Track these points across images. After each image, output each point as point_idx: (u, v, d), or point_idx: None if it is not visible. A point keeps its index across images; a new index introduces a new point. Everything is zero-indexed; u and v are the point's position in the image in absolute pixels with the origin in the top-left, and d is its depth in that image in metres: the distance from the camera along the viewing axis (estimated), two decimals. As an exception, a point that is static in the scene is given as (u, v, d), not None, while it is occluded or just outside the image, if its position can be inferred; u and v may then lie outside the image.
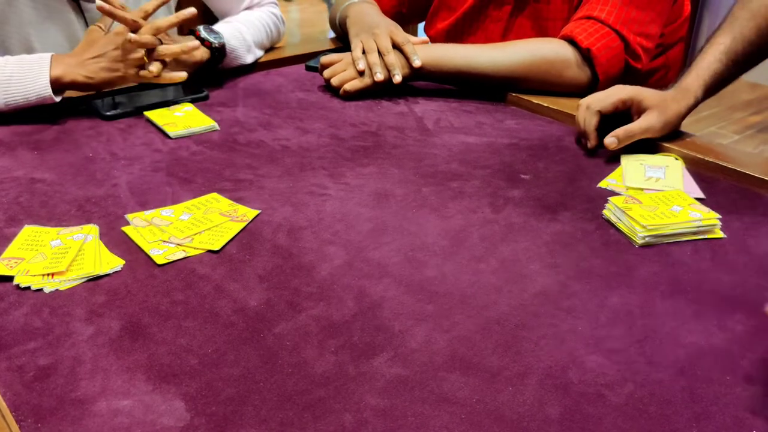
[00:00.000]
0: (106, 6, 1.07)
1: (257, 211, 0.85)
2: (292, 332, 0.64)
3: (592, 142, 1.01)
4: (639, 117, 0.99)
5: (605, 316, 0.67)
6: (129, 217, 0.83)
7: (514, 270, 0.74)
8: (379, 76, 1.19)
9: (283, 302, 0.68)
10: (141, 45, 1.06)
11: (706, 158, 0.98)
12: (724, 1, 2.06)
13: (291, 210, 0.85)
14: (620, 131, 0.97)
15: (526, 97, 1.19)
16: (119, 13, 1.07)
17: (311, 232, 0.81)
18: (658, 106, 0.99)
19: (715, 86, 1.02)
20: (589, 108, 1.01)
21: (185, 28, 1.16)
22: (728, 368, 0.61)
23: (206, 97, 1.19)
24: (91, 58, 1.06)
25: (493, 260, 0.76)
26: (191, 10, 1.11)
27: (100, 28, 1.10)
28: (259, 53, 1.35)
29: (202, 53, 1.20)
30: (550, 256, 0.77)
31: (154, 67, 1.07)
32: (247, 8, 1.37)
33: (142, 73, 1.08)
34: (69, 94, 1.12)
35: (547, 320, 0.66)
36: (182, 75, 1.10)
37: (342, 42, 1.44)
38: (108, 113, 1.11)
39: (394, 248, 0.78)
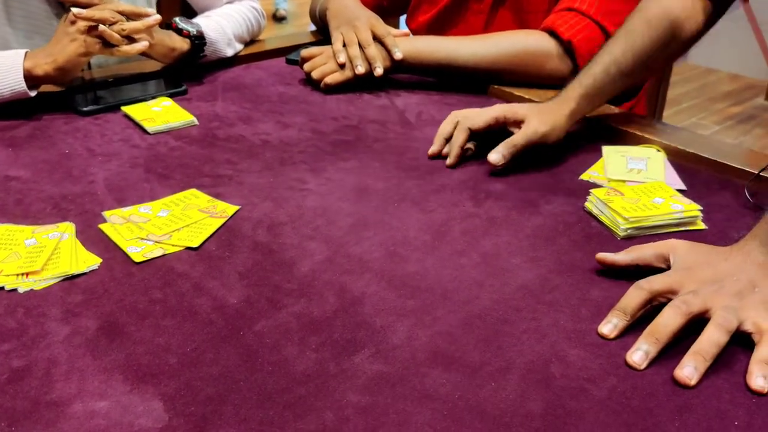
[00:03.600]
0: None
1: (237, 207, 0.84)
2: (272, 330, 0.63)
3: (451, 160, 0.94)
4: (519, 130, 0.94)
5: (587, 310, 0.67)
6: (106, 214, 0.81)
7: (495, 264, 0.74)
8: (360, 69, 1.18)
9: (263, 299, 0.68)
10: (86, 18, 1.04)
11: (688, 150, 0.98)
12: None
13: (271, 205, 0.85)
14: (501, 145, 0.92)
15: (507, 89, 1.18)
16: None
17: (292, 228, 0.80)
18: (534, 115, 0.94)
19: (597, 96, 0.98)
20: (459, 124, 0.96)
21: (162, 23, 1.15)
22: (710, 360, 0.61)
23: (185, 92, 1.18)
24: (54, 45, 1.05)
25: (474, 254, 0.76)
26: (156, 17, 1.09)
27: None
28: (239, 47, 1.33)
29: (181, 43, 1.19)
30: (532, 250, 0.77)
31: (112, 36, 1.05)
32: (228, 2, 1.36)
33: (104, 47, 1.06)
34: (46, 89, 1.10)
35: (528, 314, 0.66)
36: (143, 44, 1.08)
37: (322, 35, 1.43)
38: (84, 109, 1.09)
39: (376, 243, 0.77)
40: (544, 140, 0.94)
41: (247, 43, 1.39)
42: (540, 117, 0.94)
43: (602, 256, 0.72)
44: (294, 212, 0.83)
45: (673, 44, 1.00)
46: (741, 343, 0.62)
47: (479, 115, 0.96)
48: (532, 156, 0.96)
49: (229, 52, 1.30)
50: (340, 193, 0.88)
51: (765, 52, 1.99)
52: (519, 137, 0.92)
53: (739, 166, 0.93)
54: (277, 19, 5.38)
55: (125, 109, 1.09)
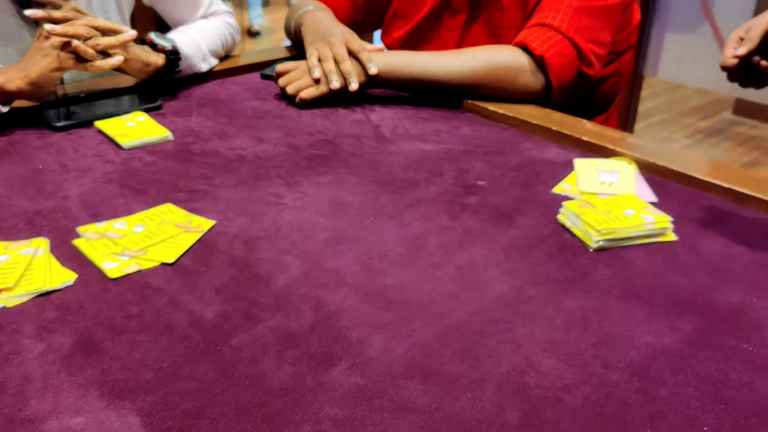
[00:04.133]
0: (38, 13, 1.05)
1: (212, 222, 0.84)
2: (249, 344, 0.63)
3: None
4: None
5: (561, 320, 0.68)
6: (81, 230, 0.81)
7: (471, 276, 0.75)
8: (335, 84, 1.19)
9: (239, 314, 0.68)
10: (60, 34, 1.03)
11: (658, 162, 1.00)
12: (672, 9, 2.11)
13: (247, 220, 0.85)
14: None
15: (481, 104, 1.20)
16: (51, 14, 1.05)
17: (268, 243, 0.80)
18: None
19: None
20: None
21: (137, 38, 1.15)
22: (680, 368, 0.62)
23: (160, 107, 1.18)
24: (27, 60, 1.04)
25: (450, 267, 0.76)
26: (131, 33, 1.09)
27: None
28: (214, 62, 1.34)
29: (156, 59, 1.19)
30: (507, 262, 0.78)
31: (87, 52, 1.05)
32: (202, 17, 1.36)
33: (78, 62, 1.05)
34: (19, 104, 1.10)
35: (504, 326, 0.67)
36: (118, 59, 1.08)
37: (297, 50, 1.44)
38: (58, 124, 1.08)
39: (352, 257, 0.78)
40: None
41: (222, 58, 1.39)
42: None
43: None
44: (270, 227, 0.83)
45: None
46: (710, 349, 0.64)
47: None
48: (507, 169, 0.98)
49: (204, 68, 1.30)
50: (316, 207, 0.88)
51: (731, 68, 2.03)
52: None
53: (707, 179, 0.95)
54: (252, 34, 5.38)
55: (99, 124, 1.09)
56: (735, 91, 2.11)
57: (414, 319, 0.67)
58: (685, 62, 2.15)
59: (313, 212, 0.87)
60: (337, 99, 1.21)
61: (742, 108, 3.78)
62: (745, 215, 0.89)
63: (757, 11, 2.13)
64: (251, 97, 1.26)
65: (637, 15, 1.39)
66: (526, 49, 1.18)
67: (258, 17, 5.44)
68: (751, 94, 2.13)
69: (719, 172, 0.98)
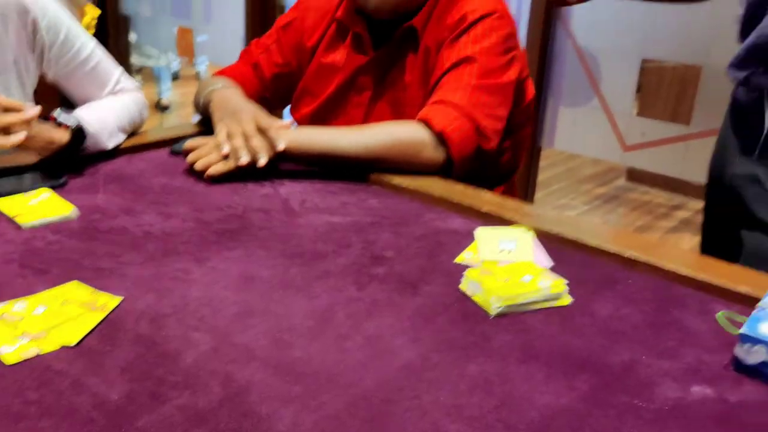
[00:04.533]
0: None
1: (119, 299, 0.83)
2: (155, 424, 0.63)
3: None
4: None
5: (465, 385, 0.70)
6: (-23, 313, 0.78)
7: (379, 346, 0.77)
8: (244, 159, 1.20)
9: (146, 393, 0.67)
10: None
11: (553, 230, 1.06)
12: (565, 84, 2.26)
13: (154, 297, 0.84)
14: None
15: (387, 177, 1.24)
16: None
17: (176, 319, 0.80)
18: None
19: None
20: None
21: (41, 114, 1.14)
22: (577, 426, 0.65)
23: (65, 183, 1.16)
24: None
25: (358, 337, 0.78)
26: (34, 110, 1.09)
27: None
28: (122, 138, 1.33)
29: (60, 136, 1.18)
30: (413, 330, 0.80)
31: None
32: (110, 94, 1.36)
33: None
34: None
35: (410, 393, 0.69)
36: (19, 137, 1.07)
37: (206, 126, 1.46)
38: (-46, 203, 1.05)
39: (261, 331, 0.78)
40: None
41: (130, 135, 1.39)
42: None
43: None
44: (178, 303, 0.83)
45: None
46: (604, 407, 0.68)
47: None
48: (412, 239, 1.01)
49: (111, 144, 1.29)
50: (225, 282, 0.89)
51: (620, 139, 2.18)
52: None
53: (599, 245, 1.01)
54: (161, 108, 5.35)
55: (-1, 203, 1.06)
56: (626, 160, 2.26)
57: (323, 391, 0.68)
58: (578, 134, 2.29)
59: (222, 287, 0.87)
60: (247, 174, 1.23)
61: (634, 175, 4.03)
62: (634, 277, 0.95)
63: (641, 85, 2.31)
64: (160, 173, 1.26)
65: (531, 91, 1.48)
66: (427, 124, 1.24)
67: (167, 91, 5.43)
68: (638, 163, 2.28)
69: (610, 237, 1.05)
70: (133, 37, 3.66)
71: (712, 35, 1.94)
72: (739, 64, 1.24)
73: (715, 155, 1.38)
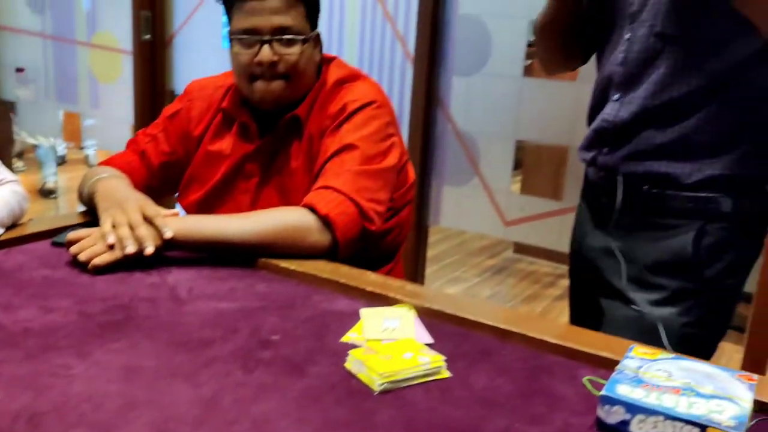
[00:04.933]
0: None
1: (-6, 400, 0.80)
2: None
3: None
4: None
5: (348, 463, 0.73)
6: None
7: (265, 429, 0.78)
8: (130, 249, 1.20)
9: (22, 496, 0.65)
10: None
11: (433, 307, 1.11)
12: (447, 164, 2.39)
13: (32, 395, 0.82)
14: None
15: (274, 262, 1.27)
16: None
17: (55, 417, 0.78)
18: None
19: None
20: None
21: None
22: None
23: (-64, 281, 1.12)
24: None
25: (246, 422, 0.79)
26: None
27: None
28: (0, 231, 1.30)
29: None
30: (299, 411, 0.82)
31: None
32: (-14, 186, 1.34)
33: None
34: None
35: (295, 475, 0.70)
36: None
37: (92, 216, 1.44)
38: None
39: (146, 422, 0.78)
40: None
41: (8, 227, 1.36)
42: None
43: None
44: (58, 400, 0.82)
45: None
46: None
47: None
48: (299, 322, 1.04)
49: (-12, 237, 1.26)
50: (109, 375, 0.88)
51: (500, 215, 2.32)
52: None
53: (476, 319, 1.07)
54: (46, 193, 5.18)
55: None
56: (508, 234, 2.38)
57: (208, 480, 0.69)
58: (463, 211, 2.41)
59: (105, 380, 0.87)
60: (133, 263, 1.22)
61: (520, 247, 4.23)
62: (508, 348, 1.02)
63: (518, 163, 2.46)
64: (40, 265, 1.23)
65: (411, 174, 1.57)
66: (313, 209, 1.29)
67: (53, 175, 5.27)
68: (519, 237, 2.42)
69: (486, 311, 1.11)
70: (15, 122, 3.56)
71: (576, 117, 2.11)
72: (586, 146, 1.37)
73: (574, 228, 1.50)
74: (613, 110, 1.29)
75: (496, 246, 4.40)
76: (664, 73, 1.21)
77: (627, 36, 1.27)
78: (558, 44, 1.42)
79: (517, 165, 2.90)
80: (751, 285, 1.84)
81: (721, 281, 1.25)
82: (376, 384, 0.87)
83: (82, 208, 1.54)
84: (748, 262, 1.29)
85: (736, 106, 1.20)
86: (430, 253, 2.74)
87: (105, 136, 3.38)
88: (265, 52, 1.37)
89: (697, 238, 1.22)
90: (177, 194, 1.59)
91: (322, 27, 2.25)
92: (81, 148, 6.00)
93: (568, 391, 0.91)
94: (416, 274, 2.39)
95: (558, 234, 2.25)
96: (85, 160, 5.87)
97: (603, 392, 0.82)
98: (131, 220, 1.24)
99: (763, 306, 1.94)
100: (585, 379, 0.93)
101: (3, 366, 0.89)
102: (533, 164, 3.88)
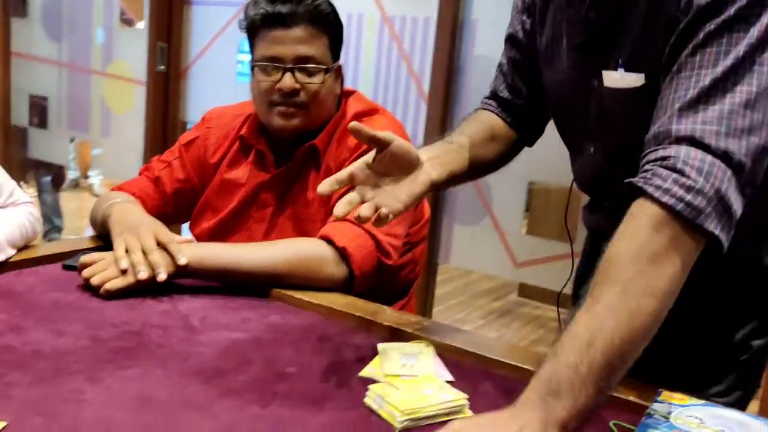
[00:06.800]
0: None
1: (3, 424, 0.77)
2: None
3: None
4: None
5: (371, 503, 0.70)
6: None
7: (283, 465, 0.75)
8: (143, 275, 1.18)
9: None
10: None
11: (453, 344, 1.08)
12: (458, 203, 2.37)
13: (43, 421, 0.79)
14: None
15: (288, 293, 1.25)
16: None
17: (66, 443, 0.75)
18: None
19: (447, 161, 1.10)
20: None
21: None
22: None
23: (-55, 301, 1.10)
24: None
25: (262, 457, 0.76)
26: None
27: None
28: (11, 252, 1.28)
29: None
30: (318, 448, 0.79)
31: None
32: (1, 207, 1.32)
33: None
34: None
35: None
36: None
37: (103, 240, 1.43)
38: None
39: (159, 453, 0.75)
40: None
41: (21, 248, 1.34)
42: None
43: None
44: (69, 426, 0.79)
45: (489, 147, 1.21)
46: None
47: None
48: (314, 355, 1.01)
49: (0, 257, 1.24)
50: (121, 403, 0.85)
51: (511, 256, 2.30)
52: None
53: (497, 358, 1.04)
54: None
55: None
56: (516, 276, 2.36)
57: None
58: (473, 251, 2.39)
59: (117, 408, 0.84)
60: (145, 289, 1.20)
61: (525, 290, 4.19)
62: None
63: (528, 204, 2.46)
64: (51, 288, 1.21)
65: (426, 210, 1.56)
66: (329, 241, 1.27)
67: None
68: (531, 279, 2.39)
69: (506, 350, 1.09)
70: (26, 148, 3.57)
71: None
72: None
73: (577, 271, 1.47)
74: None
75: (501, 289, 4.36)
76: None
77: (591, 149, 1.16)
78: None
79: (526, 207, 2.89)
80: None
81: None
82: (397, 421, 0.84)
83: (90, 232, 1.53)
84: None
85: None
86: (436, 292, 2.72)
87: (113, 164, 3.39)
88: (287, 80, 1.37)
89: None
90: (189, 222, 1.57)
91: (339, 62, 2.27)
92: (86, 177, 6.01)
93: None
94: (425, 313, 2.36)
95: (567, 277, 2.23)
96: (90, 189, 5.88)
97: (634, 437, 0.79)
98: (145, 245, 1.22)
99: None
100: (612, 423, 0.90)
101: (13, 389, 0.86)
102: (542, 206, 3.86)
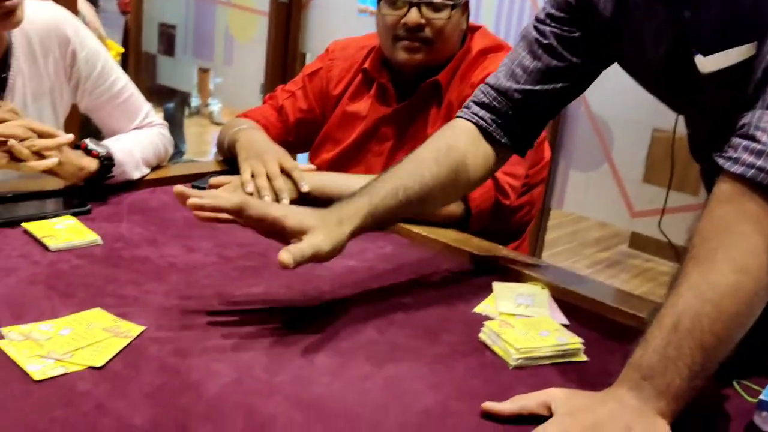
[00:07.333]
0: None
1: (142, 328, 0.84)
2: (179, 451, 0.63)
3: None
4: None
5: (485, 434, 0.71)
6: (4, 330, 0.79)
7: (398, 388, 0.77)
8: (267, 200, 1.22)
9: (170, 421, 0.67)
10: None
11: (569, 288, 1.07)
12: (577, 148, 2.31)
13: (178, 327, 0.85)
14: (294, 248, 0.86)
15: (405, 226, 1.26)
16: None
17: (198, 351, 0.80)
18: (320, 229, 0.90)
19: (384, 217, 0.98)
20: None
21: (72, 144, 1.17)
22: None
23: (89, 211, 1.18)
24: None
25: (378, 378, 0.79)
26: (68, 137, 1.12)
27: None
28: (146, 170, 1.36)
29: (89, 163, 1.20)
30: (432, 376, 0.81)
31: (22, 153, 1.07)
32: (137, 127, 1.40)
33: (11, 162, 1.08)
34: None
35: (431, 438, 0.69)
36: (52, 161, 1.09)
37: (227, 164, 1.48)
38: (-18, 223, 1.07)
39: (283, 367, 0.79)
40: (322, 259, 0.90)
41: (154, 168, 1.41)
42: (326, 233, 0.90)
43: (488, 405, 0.74)
44: (199, 335, 0.84)
45: (455, 186, 1.06)
46: (622, 465, 0.68)
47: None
48: (430, 288, 1.02)
49: (136, 175, 1.32)
50: (246, 318, 0.90)
51: (628, 205, 2.22)
52: (307, 249, 0.87)
53: (613, 304, 1.02)
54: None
55: (26, 225, 1.08)
56: (631, 225, 2.29)
57: (344, 431, 0.69)
58: (588, 197, 2.32)
59: (242, 324, 0.88)
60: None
61: (637, 242, 4.04)
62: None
63: (650, 154, 2.35)
64: (182, 207, 1.27)
65: (547, 152, 1.52)
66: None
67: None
68: (645, 229, 2.31)
69: (623, 298, 1.06)
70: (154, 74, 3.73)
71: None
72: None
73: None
74: None
75: (611, 239, 4.24)
76: None
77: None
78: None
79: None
80: None
81: None
82: (512, 358, 0.85)
83: (212, 157, 1.59)
84: None
85: None
86: (545, 237, 2.68)
87: (233, 93, 3.48)
88: (413, 15, 1.35)
89: None
90: (309, 152, 1.60)
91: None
92: (206, 105, 6.22)
93: (712, 391, 0.85)
94: (534, 257, 2.34)
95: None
96: (210, 117, 6.09)
97: (762, 397, 0.76)
98: (270, 171, 1.26)
99: None
100: (735, 382, 0.86)
101: (151, 296, 0.92)
102: (663, 155, 3.69)
